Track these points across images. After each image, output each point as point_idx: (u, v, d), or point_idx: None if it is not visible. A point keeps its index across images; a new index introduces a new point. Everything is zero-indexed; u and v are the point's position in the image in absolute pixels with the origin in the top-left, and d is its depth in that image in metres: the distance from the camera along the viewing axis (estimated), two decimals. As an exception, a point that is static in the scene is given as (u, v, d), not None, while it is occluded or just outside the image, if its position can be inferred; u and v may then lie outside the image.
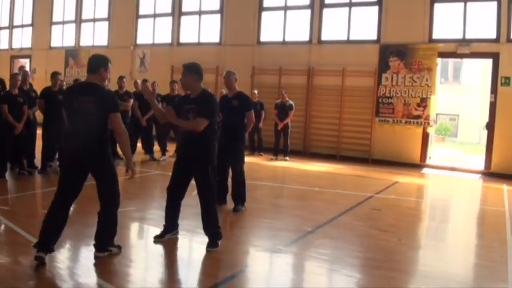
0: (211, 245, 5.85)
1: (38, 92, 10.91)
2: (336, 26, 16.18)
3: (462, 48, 14.22)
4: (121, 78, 12.65)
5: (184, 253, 5.92)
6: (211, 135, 5.93)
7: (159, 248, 5.96)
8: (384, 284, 5.15)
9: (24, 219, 6.95)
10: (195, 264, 5.49)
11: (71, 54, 22.41)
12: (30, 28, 24.42)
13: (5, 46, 25.52)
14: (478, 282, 5.47)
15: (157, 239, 6.08)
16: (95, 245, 5.37)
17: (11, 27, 25.35)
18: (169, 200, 6.11)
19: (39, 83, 13.36)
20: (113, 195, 5.32)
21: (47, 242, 5.11)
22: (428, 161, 15.19)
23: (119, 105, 5.41)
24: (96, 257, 5.30)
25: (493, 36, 13.87)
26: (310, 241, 6.53)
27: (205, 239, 5.92)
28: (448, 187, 12.33)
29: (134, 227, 7.04)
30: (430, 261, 6.10)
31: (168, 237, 6.11)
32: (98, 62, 5.28)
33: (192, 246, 6.10)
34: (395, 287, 5.11)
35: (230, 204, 8.02)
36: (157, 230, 6.33)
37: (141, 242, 5.83)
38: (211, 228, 5.94)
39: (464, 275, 5.73)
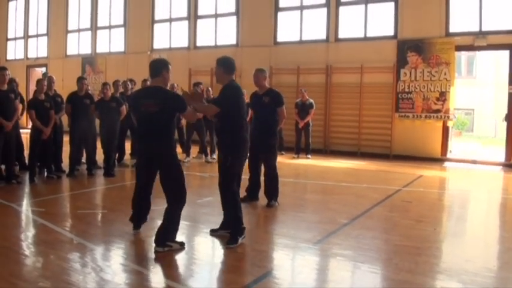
0: (231, 241, 5.83)
1: (64, 97, 11.05)
2: (352, 23, 16.22)
3: (479, 41, 14.19)
4: (145, 81, 12.79)
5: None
6: (234, 127, 5.96)
7: (207, 240, 6.07)
8: (428, 268, 5.21)
9: (61, 219, 7.14)
10: (242, 256, 5.55)
11: (88, 61, 22.62)
12: (46, 37, 24.63)
13: (21, 56, 25.75)
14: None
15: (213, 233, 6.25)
16: (155, 240, 5.54)
17: (26, 37, 25.58)
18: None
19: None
20: (180, 194, 5.57)
21: (138, 222, 6.23)
22: (449, 155, 15.18)
23: (185, 103, 5.65)
24: (155, 252, 5.46)
25: (510, 27, 13.86)
26: (348, 232, 6.59)
27: (247, 233, 6.05)
28: (471, 179, 12.32)
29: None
30: (467, 248, 6.27)
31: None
32: (159, 65, 5.62)
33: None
34: (439, 271, 5.18)
35: (262, 200, 8.11)
36: (191, 226, 6.61)
37: (180, 237, 5.90)
38: (231, 223, 6.01)
39: (504, 257, 5.79)
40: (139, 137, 5.90)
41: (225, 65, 6.02)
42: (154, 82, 5.63)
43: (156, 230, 5.64)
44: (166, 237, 5.52)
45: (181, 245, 5.64)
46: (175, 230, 5.62)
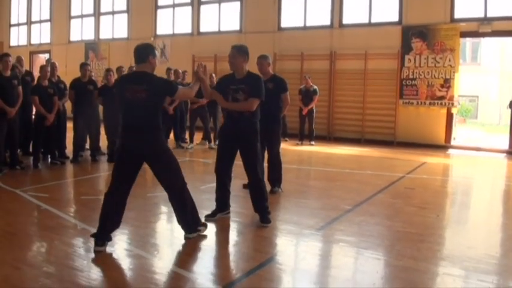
0: (265, 220, 6.10)
1: (67, 83, 11.05)
2: (357, 9, 16.15)
3: (484, 27, 14.11)
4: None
5: (233, 233, 6.06)
6: (258, 114, 6.17)
7: (210, 226, 6.10)
8: (431, 255, 5.21)
9: (64, 205, 7.19)
10: (245, 242, 5.60)
11: (91, 47, 22.60)
12: (49, 23, 24.60)
13: (24, 42, 25.73)
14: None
15: (209, 218, 6.23)
16: (183, 228, 5.51)
17: (29, 23, 25.56)
18: (217, 181, 6.30)
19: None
20: (179, 177, 5.36)
21: (107, 232, 5.16)
22: (453, 142, 15.15)
23: (174, 86, 5.37)
24: (187, 238, 5.48)
25: (515, 13, 13.78)
26: (351, 219, 6.61)
27: (250, 220, 6.09)
28: (475, 166, 12.34)
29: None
30: (470, 235, 6.29)
31: (219, 217, 6.32)
32: (145, 51, 5.23)
33: (241, 226, 6.23)
34: (441, 257, 5.19)
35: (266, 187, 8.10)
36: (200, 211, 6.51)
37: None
38: (263, 205, 6.17)
39: (507, 244, 5.81)
40: (125, 127, 5.23)
41: (247, 53, 6.08)
42: (140, 68, 5.21)
43: (160, 216, 5.66)
44: (194, 221, 5.52)
45: (205, 226, 5.72)
46: (196, 213, 5.56)
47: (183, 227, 5.51)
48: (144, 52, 5.21)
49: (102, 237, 5.10)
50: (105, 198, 5.21)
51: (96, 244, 5.06)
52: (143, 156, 5.20)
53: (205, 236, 5.62)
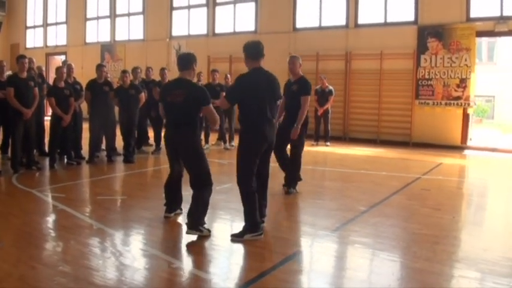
0: (236, 233, 5.66)
1: (83, 85, 11.11)
2: (372, 8, 16.08)
3: (500, 26, 13.98)
4: (162, 69, 12.77)
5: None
6: (246, 119, 5.73)
7: (226, 227, 6.10)
8: (446, 257, 5.17)
9: (80, 205, 7.21)
10: (260, 243, 5.55)
11: (107, 49, 22.75)
12: (65, 25, 24.82)
13: (40, 44, 25.98)
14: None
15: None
16: (186, 223, 5.60)
17: (45, 25, 25.82)
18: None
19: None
20: (202, 177, 5.70)
21: (170, 205, 6.41)
22: (469, 143, 15.02)
23: (209, 97, 5.75)
24: (187, 233, 5.53)
25: (532, 12, 13.65)
26: (367, 220, 6.58)
27: (266, 221, 6.08)
28: (491, 167, 12.21)
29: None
30: (486, 237, 6.23)
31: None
32: (191, 59, 5.85)
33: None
34: (457, 260, 5.15)
35: (281, 188, 8.12)
36: (209, 212, 6.50)
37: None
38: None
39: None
40: (166, 126, 6.04)
41: (248, 50, 5.77)
42: (183, 74, 5.81)
43: (176, 216, 5.71)
44: (198, 221, 5.58)
45: (209, 232, 5.69)
46: (204, 214, 5.69)
47: (187, 222, 5.60)
48: (189, 60, 5.84)
49: (168, 206, 6.42)
50: (166, 180, 6.46)
51: (165, 211, 6.40)
52: (176, 149, 5.85)
53: (220, 236, 5.64)
